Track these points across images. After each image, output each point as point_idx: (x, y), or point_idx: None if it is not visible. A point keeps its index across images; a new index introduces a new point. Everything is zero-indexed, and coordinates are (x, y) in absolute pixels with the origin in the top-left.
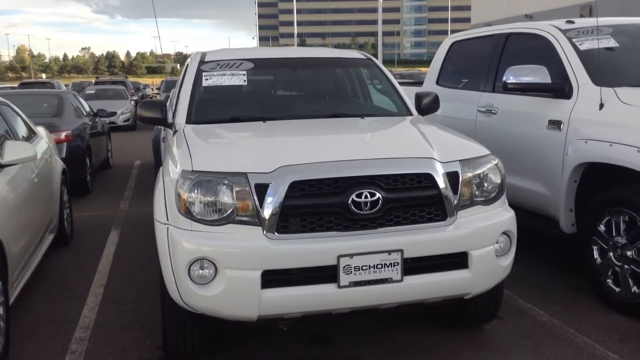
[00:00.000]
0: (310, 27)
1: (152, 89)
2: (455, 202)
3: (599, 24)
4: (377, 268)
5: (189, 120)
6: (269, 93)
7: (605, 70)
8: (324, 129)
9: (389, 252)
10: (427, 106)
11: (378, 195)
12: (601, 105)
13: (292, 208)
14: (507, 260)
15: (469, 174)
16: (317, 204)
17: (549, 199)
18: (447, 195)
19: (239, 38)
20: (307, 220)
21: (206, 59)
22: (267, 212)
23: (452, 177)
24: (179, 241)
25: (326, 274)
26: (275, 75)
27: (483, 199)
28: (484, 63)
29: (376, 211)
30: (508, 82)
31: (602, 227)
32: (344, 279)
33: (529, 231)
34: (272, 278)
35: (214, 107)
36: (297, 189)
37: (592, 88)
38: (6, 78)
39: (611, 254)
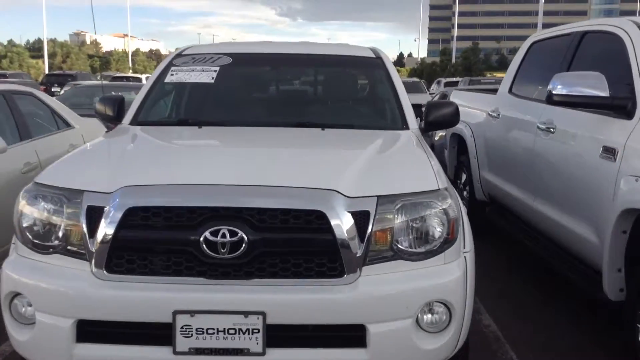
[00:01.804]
0: (484, 30)
1: None
2: (360, 253)
3: None
4: (228, 334)
5: (133, 121)
6: (240, 93)
7: None
8: (259, 142)
9: (246, 314)
10: (438, 120)
11: (241, 234)
12: None
13: (128, 241)
14: (438, 342)
15: (389, 216)
16: (161, 239)
17: (597, 249)
18: (346, 243)
19: (410, 41)
20: (148, 259)
21: (185, 52)
22: (95, 244)
23: (361, 218)
24: (4, 267)
25: (160, 334)
26: (254, 74)
27: (413, 252)
28: (554, 68)
29: (238, 256)
30: (554, 92)
31: None
32: (182, 343)
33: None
34: (92, 330)
35: (169, 107)
36: (138, 217)
37: None
38: None
39: None
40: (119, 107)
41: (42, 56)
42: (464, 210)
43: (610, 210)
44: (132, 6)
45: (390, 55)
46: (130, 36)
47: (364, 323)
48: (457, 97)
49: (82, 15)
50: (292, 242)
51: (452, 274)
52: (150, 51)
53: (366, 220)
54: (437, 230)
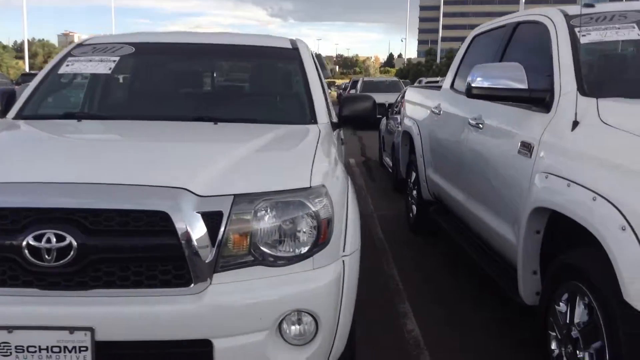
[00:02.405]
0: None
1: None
2: (210, 259)
3: (623, 8)
4: (52, 352)
5: (18, 115)
6: (139, 85)
7: (610, 73)
8: (128, 137)
9: (72, 329)
10: (353, 114)
11: (70, 239)
12: (574, 124)
13: None
14: (301, 356)
15: (247, 217)
16: None
17: (516, 250)
18: (193, 248)
19: (399, 42)
20: None
21: (86, 42)
22: None
23: (212, 220)
24: None
25: None
26: (156, 64)
27: (276, 256)
28: (489, 62)
29: (66, 264)
30: (472, 85)
31: (561, 306)
32: None
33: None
34: None
35: (58, 99)
36: None
37: (574, 98)
38: None
39: (563, 349)
40: (7, 100)
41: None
42: (354, 209)
43: (524, 209)
44: (120, 7)
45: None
46: None
47: (209, 338)
48: (409, 94)
49: (73, 16)
50: (132, 247)
51: (319, 280)
52: None
53: (219, 222)
54: (305, 232)
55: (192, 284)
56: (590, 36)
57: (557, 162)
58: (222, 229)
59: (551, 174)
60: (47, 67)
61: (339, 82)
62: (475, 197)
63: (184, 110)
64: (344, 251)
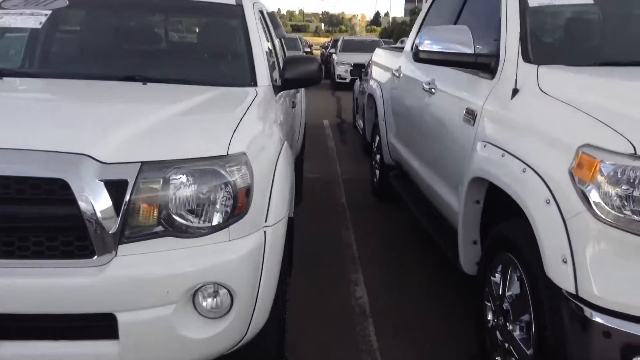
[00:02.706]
0: None
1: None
2: (114, 229)
3: None
4: None
5: None
6: (71, 40)
7: (559, 38)
8: (42, 98)
9: None
10: (296, 77)
11: None
12: (514, 92)
13: None
14: (214, 330)
15: (155, 186)
16: None
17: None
18: (95, 217)
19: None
20: None
21: None
22: None
23: (117, 188)
24: None
25: None
26: (91, 18)
27: (188, 227)
28: (444, 23)
29: None
30: (420, 49)
31: (496, 277)
32: None
33: None
34: None
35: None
36: None
37: (516, 65)
38: None
39: (495, 320)
40: None
41: None
42: (284, 176)
43: (465, 178)
44: None
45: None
46: None
47: (113, 312)
48: (376, 56)
49: None
50: (31, 216)
51: (233, 252)
52: None
53: (123, 190)
54: (219, 202)
55: (96, 256)
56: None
57: (495, 130)
58: (126, 198)
59: (489, 143)
60: None
61: (323, 40)
62: (427, 164)
63: (112, 69)
64: (266, 221)
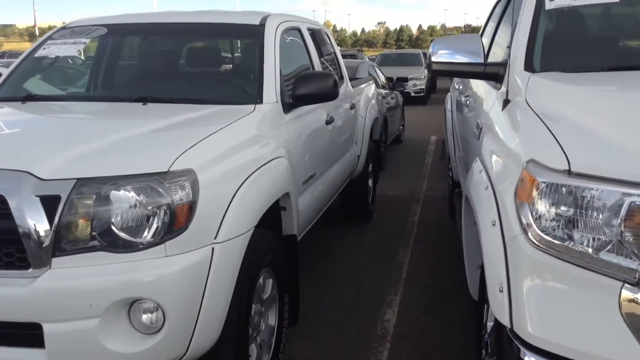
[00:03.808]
0: None
1: None
2: (48, 243)
3: None
4: None
5: None
6: (100, 66)
7: (569, 41)
8: (31, 120)
9: None
10: (309, 93)
11: None
12: (505, 103)
13: None
14: (142, 346)
15: (89, 201)
16: None
17: None
18: (29, 231)
19: None
20: None
21: (69, 25)
22: None
23: (52, 204)
24: None
25: None
26: (122, 45)
27: (122, 242)
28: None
29: None
30: (432, 60)
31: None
32: None
33: None
34: None
35: (29, 81)
36: None
37: (518, 75)
38: None
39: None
40: None
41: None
42: (250, 193)
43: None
44: None
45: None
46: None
47: (40, 322)
48: None
49: None
50: None
51: (166, 269)
52: None
53: (57, 205)
54: (154, 219)
55: (31, 268)
56: (560, 0)
57: (485, 145)
58: (58, 213)
59: (479, 159)
60: (28, 50)
61: None
62: (463, 182)
63: (125, 91)
64: (215, 238)
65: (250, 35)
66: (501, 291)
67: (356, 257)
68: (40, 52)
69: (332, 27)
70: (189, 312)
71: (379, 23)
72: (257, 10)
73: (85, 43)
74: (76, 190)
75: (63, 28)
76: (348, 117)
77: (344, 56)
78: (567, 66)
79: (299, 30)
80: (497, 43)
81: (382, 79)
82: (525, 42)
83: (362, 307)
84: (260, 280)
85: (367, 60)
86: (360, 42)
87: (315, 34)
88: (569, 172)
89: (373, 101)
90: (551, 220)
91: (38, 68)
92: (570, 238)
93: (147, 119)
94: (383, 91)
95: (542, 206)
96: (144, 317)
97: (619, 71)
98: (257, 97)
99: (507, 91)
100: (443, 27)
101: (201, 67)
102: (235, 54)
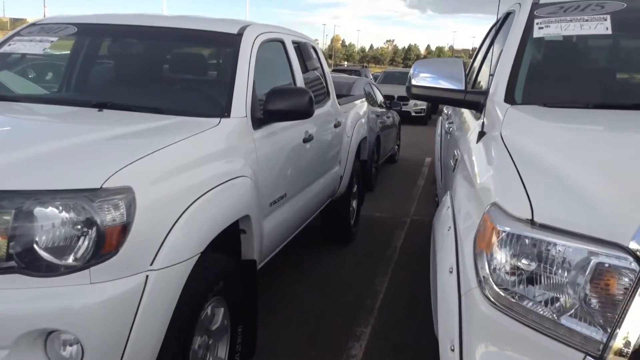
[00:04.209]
0: None
1: None
2: None
3: None
4: None
5: None
6: (68, 65)
7: (556, 73)
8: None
9: None
10: (281, 109)
11: None
12: (480, 135)
13: None
14: None
15: (7, 217)
16: None
17: None
18: None
19: None
20: None
21: (39, 22)
22: None
23: None
24: None
25: None
26: (89, 45)
27: (43, 264)
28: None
29: None
30: (412, 83)
31: None
32: None
33: None
34: None
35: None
36: None
37: (496, 106)
38: None
39: None
40: None
41: None
42: (198, 216)
43: None
44: None
45: None
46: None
47: None
48: None
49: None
50: None
51: (88, 297)
52: None
53: None
54: (79, 240)
55: None
56: (548, 29)
57: (457, 180)
58: None
59: (450, 194)
60: None
61: None
62: None
63: (85, 95)
64: (151, 264)
65: (226, 44)
66: (452, 350)
67: (330, 282)
68: (4, 48)
69: (340, 42)
70: (113, 347)
71: (387, 40)
72: (263, 20)
73: (52, 41)
74: None
75: (32, 24)
76: (331, 135)
77: (347, 71)
78: (550, 100)
79: (282, 43)
80: (484, 69)
81: (379, 97)
82: (508, 71)
83: (328, 340)
84: (208, 310)
85: (370, 76)
86: (367, 58)
87: (301, 48)
88: (531, 222)
89: (363, 120)
90: (510, 275)
91: (2, 64)
92: (530, 297)
93: (95, 128)
94: (379, 110)
95: (500, 258)
96: (64, 350)
97: (606, 109)
98: (224, 110)
99: (483, 123)
100: (451, 48)
101: (170, 75)
102: (209, 63)
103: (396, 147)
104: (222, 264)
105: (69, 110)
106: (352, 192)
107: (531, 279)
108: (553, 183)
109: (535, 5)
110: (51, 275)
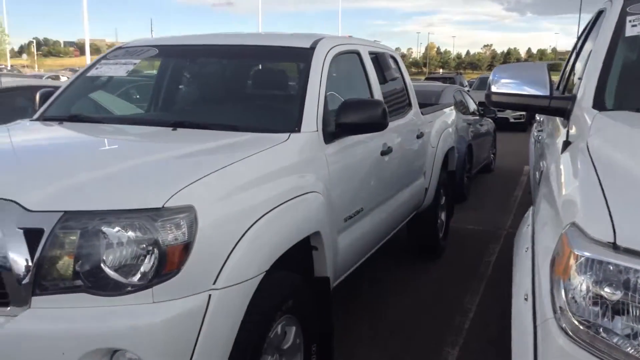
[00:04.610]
0: None
1: None
2: (28, 280)
3: None
4: None
5: (40, 116)
6: (156, 87)
7: None
8: (50, 143)
9: None
10: (354, 122)
11: None
12: (565, 145)
13: None
14: None
15: (73, 237)
16: None
17: None
18: (9, 266)
19: None
20: None
21: (124, 45)
22: None
23: (36, 237)
24: None
25: None
26: (170, 67)
27: (108, 283)
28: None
29: None
30: (492, 90)
31: None
32: None
33: None
34: None
35: (79, 102)
36: None
37: (583, 113)
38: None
39: None
40: (41, 101)
41: None
42: (263, 234)
43: None
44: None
45: None
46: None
47: None
48: None
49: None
50: None
51: (151, 317)
52: None
53: (39, 240)
54: (142, 259)
55: (10, 306)
56: None
57: (540, 194)
58: (40, 248)
59: (533, 210)
60: (82, 69)
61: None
62: None
63: (164, 115)
64: (214, 283)
65: (298, 58)
66: None
67: (416, 298)
68: (92, 72)
69: (435, 50)
70: None
71: (485, 45)
72: (358, 33)
73: (135, 64)
74: (61, 224)
75: (118, 48)
76: (414, 146)
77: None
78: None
79: (358, 54)
80: (575, 73)
81: (472, 104)
82: (597, 74)
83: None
84: (278, 329)
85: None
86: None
87: (379, 58)
88: (614, 246)
89: (450, 129)
90: (591, 305)
91: (91, 87)
92: (614, 331)
93: (164, 147)
94: (471, 117)
95: (579, 285)
96: None
97: None
98: (295, 125)
99: (568, 131)
100: (554, 50)
101: (245, 92)
102: (283, 78)
103: (492, 155)
104: (291, 281)
105: (146, 131)
106: (439, 204)
107: (615, 311)
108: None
109: (627, 2)
110: (116, 294)
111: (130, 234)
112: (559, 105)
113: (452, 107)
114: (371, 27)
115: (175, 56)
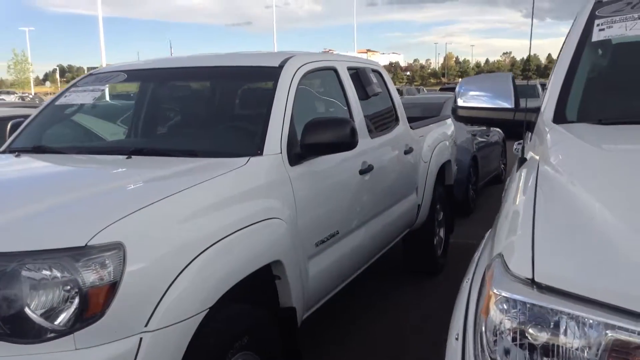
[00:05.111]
0: None
1: None
2: None
3: None
4: None
5: (6, 148)
6: (132, 113)
7: (621, 85)
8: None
9: None
10: (320, 142)
11: None
12: (520, 162)
13: None
14: None
15: None
16: None
17: None
18: None
19: None
20: None
21: (95, 72)
22: None
23: None
24: None
25: None
26: (140, 93)
27: (23, 330)
28: None
29: None
30: (457, 104)
31: None
32: None
33: None
34: None
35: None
36: None
37: (542, 127)
38: (428, 84)
39: None
40: (11, 132)
41: None
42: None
43: None
44: (376, 21)
45: None
46: (370, 50)
47: None
48: None
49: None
50: None
51: None
52: (390, 64)
53: None
54: (61, 303)
55: None
56: (610, 30)
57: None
58: None
59: (488, 234)
60: (51, 98)
61: None
62: None
63: (124, 142)
64: (146, 325)
65: (266, 78)
66: None
67: (408, 319)
68: (61, 100)
69: (454, 59)
70: None
71: (504, 53)
72: (375, 46)
73: (102, 90)
74: None
75: (89, 74)
76: (401, 162)
77: (453, 89)
78: (609, 115)
79: (334, 70)
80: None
81: None
82: (559, 84)
83: None
84: None
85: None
86: (483, 73)
87: (360, 74)
88: (532, 282)
89: (446, 142)
90: (512, 348)
91: (60, 116)
92: None
93: (106, 178)
94: (475, 128)
95: (497, 326)
96: None
97: None
98: (257, 148)
99: (523, 147)
100: None
101: (209, 115)
102: (248, 100)
103: (502, 166)
104: (245, 316)
105: (100, 160)
106: (436, 221)
107: (534, 353)
108: (573, 230)
109: (598, 4)
110: (36, 341)
111: (51, 274)
112: (523, 118)
113: (451, 119)
114: (389, 40)
115: (143, 80)
